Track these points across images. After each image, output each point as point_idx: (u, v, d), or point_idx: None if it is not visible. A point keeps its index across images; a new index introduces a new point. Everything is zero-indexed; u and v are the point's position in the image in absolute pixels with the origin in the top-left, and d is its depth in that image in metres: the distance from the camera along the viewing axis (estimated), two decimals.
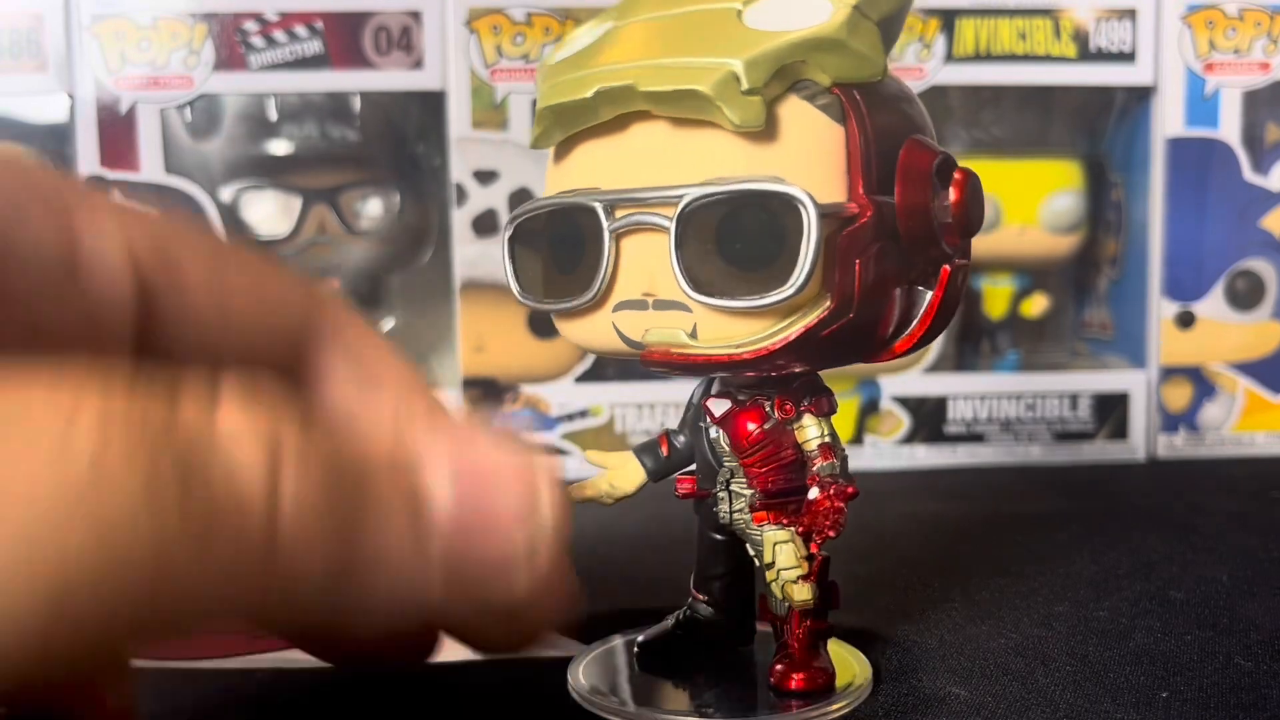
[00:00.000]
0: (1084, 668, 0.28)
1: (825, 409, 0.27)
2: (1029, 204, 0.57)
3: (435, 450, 0.18)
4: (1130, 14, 0.55)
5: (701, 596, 0.29)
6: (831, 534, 0.25)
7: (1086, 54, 0.55)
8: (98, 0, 0.52)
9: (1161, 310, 0.57)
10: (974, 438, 0.56)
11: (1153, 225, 0.57)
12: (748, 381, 0.27)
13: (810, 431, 0.26)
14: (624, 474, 0.28)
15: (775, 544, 0.26)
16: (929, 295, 0.25)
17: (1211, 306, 0.57)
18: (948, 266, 0.25)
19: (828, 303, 0.24)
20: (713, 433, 0.27)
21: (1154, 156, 0.56)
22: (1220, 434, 0.58)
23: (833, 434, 0.26)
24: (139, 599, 0.14)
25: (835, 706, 0.26)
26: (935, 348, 0.57)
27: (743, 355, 0.24)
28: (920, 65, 0.54)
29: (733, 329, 0.24)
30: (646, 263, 0.25)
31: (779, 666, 0.26)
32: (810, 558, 0.26)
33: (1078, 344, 0.63)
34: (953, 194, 0.25)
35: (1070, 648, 0.30)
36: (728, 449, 0.27)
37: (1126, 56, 0.55)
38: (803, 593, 0.26)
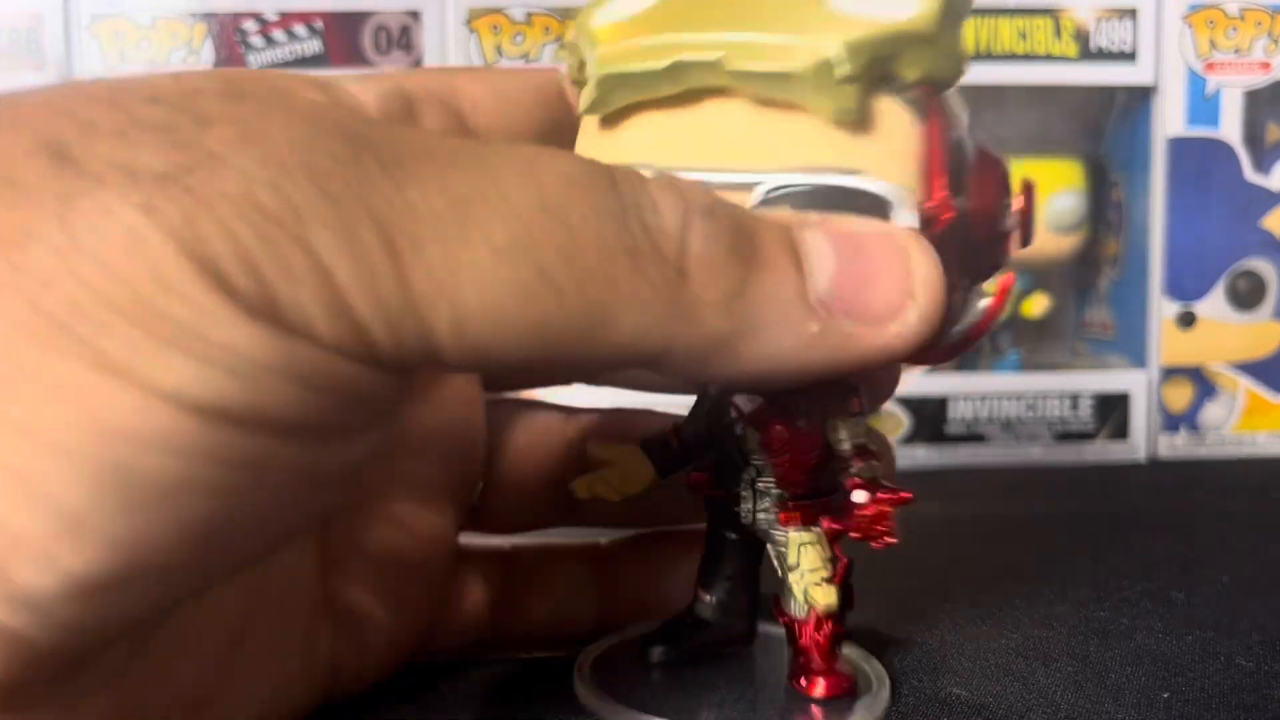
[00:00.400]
0: (1085, 668, 0.28)
1: (856, 409, 0.25)
2: None
3: (815, 222, 0.21)
4: (1131, 13, 0.55)
5: (707, 595, 0.28)
6: (891, 540, 0.24)
7: (1087, 53, 0.55)
8: (97, 0, 0.52)
9: (1162, 310, 0.57)
10: (974, 438, 0.56)
11: (1154, 225, 0.57)
12: None
13: (841, 433, 0.25)
14: (629, 470, 0.27)
15: (800, 545, 0.25)
16: (981, 302, 0.24)
17: (1212, 306, 0.57)
18: (1010, 274, 0.24)
19: None
20: (738, 429, 0.26)
21: (1155, 156, 0.56)
22: (1221, 434, 0.58)
23: (870, 434, 0.25)
24: (587, 299, 0.18)
25: (856, 718, 0.25)
26: None
27: None
28: None
29: None
30: None
31: (801, 673, 0.26)
32: (834, 560, 0.25)
33: (1078, 344, 0.63)
34: (1019, 202, 0.24)
35: (1071, 648, 0.30)
36: (756, 447, 0.26)
37: (1127, 56, 0.55)
38: (827, 596, 0.25)
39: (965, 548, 0.41)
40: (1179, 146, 0.56)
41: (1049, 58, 0.55)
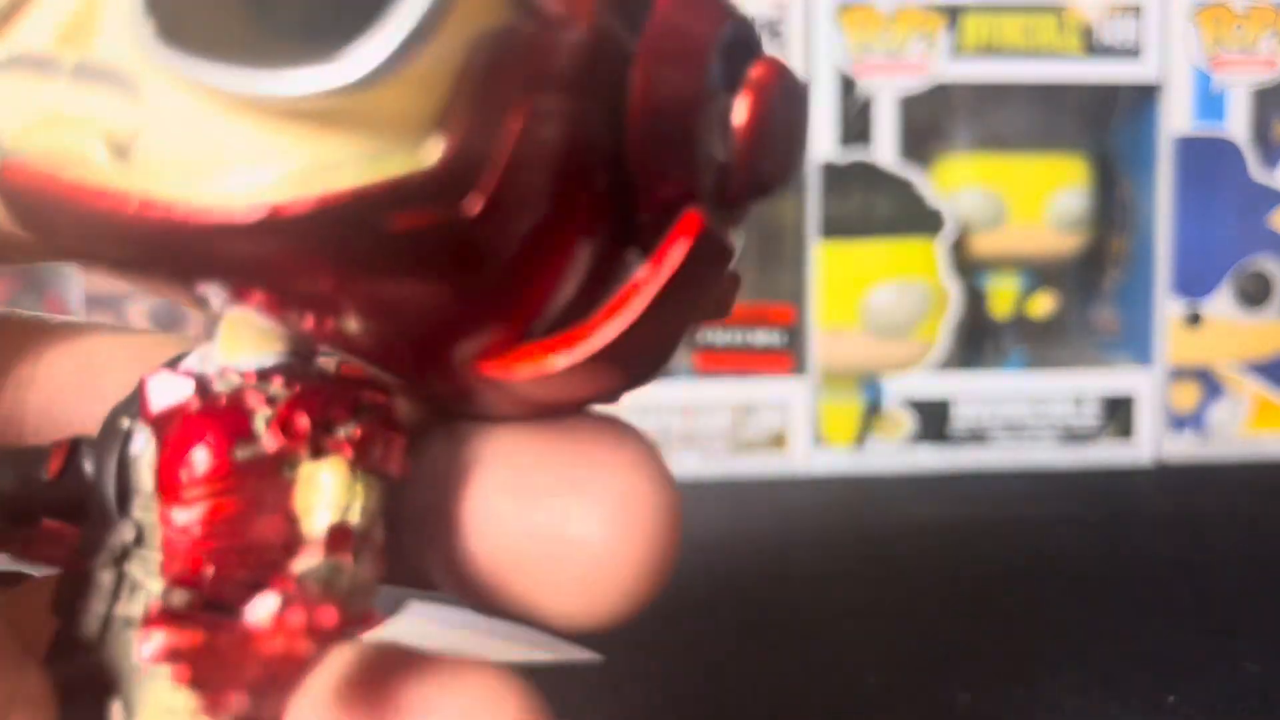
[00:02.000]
0: (1090, 672, 0.28)
1: (376, 454, 0.14)
2: (1035, 201, 0.57)
3: None
4: (1135, 10, 0.55)
5: None
6: (265, 681, 0.13)
7: (1092, 50, 0.55)
8: None
9: (1168, 310, 0.57)
10: (978, 439, 0.56)
11: (1159, 223, 0.56)
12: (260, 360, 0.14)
13: (319, 493, 0.13)
14: None
15: (166, 710, 0.13)
16: (642, 268, 0.13)
17: (1219, 306, 0.57)
18: (697, 214, 0.12)
19: (439, 147, 0.11)
20: (138, 442, 0.14)
21: (1160, 154, 0.56)
22: (1228, 435, 0.57)
23: (373, 515, 0.14)
24: None
25: None
26: (939, 348, 0.56)
27: (201, 215, 0.11)
28: (923, 61, 0.54)
29: (217, 147, 0.12)
30: None
31: None
32: None
33: (1084, 344, 0.62)
34: (745, 104, 0.13)
35: (1076, 652, 0.29)
36: (150, 484, 0.13)
37: (1132, 53, 0.55)
38: None
39: (968, 551, 0.41)
40: (1185, 144, 0.56)
41: (1053, 54, 0.55)
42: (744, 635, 0.31)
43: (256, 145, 0.11)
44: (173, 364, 0.14)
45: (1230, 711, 0.25)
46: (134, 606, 0.14)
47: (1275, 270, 0.57)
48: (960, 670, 0.28)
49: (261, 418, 0.13)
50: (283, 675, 0.13)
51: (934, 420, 0.56)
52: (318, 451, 0.13)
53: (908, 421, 0.56)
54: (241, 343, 0.14)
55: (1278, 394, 0.57)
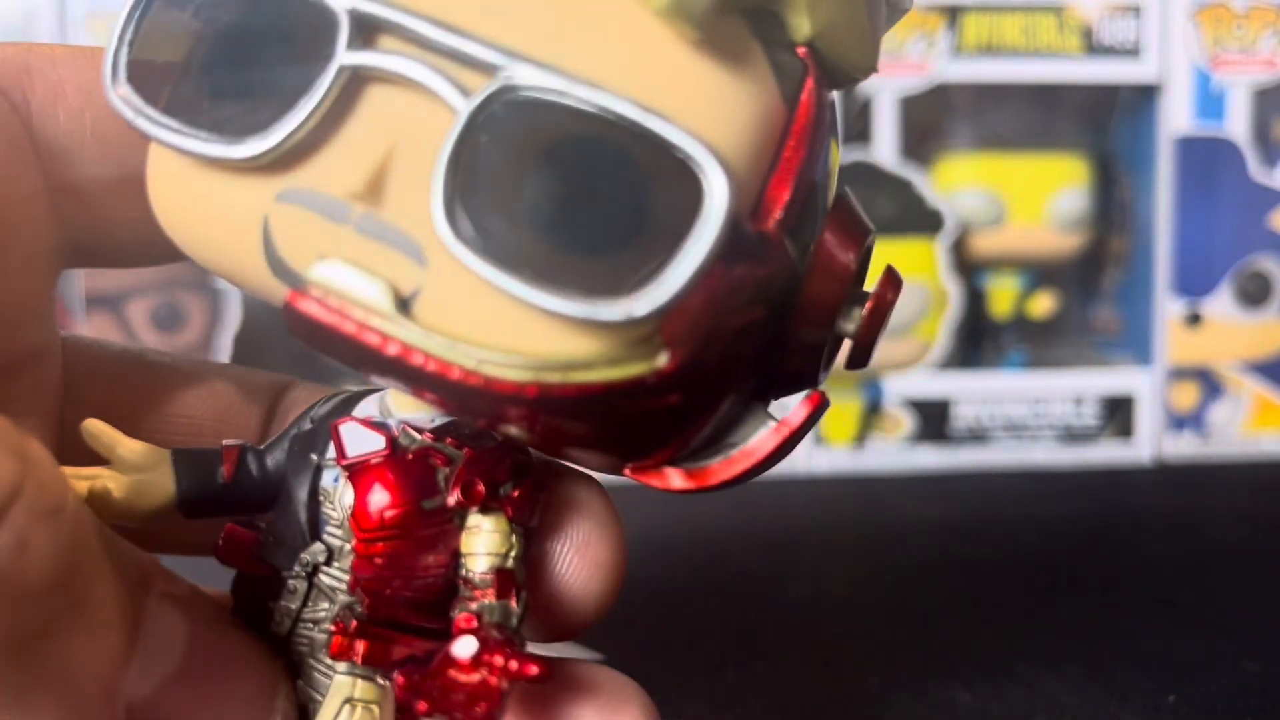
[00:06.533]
0: (1090, 672, 0.28)
1: (525, 512, 0.17)
2: (1035, 201, 0.57)
3: None
4: (1135, 10, 0.55)
5: None
6: None
7: (1092, 50, 0.55)
8: None
9: (1168, 309, 0.57)
10: (978, 439, 0.56)
11: (1159, 223, 0.56)
12: (431, 415, 0.17)
13: (484, 540, 0.16)
14: (135, 481, 0.17)
15: (345, 702, 0.16)
16: (760, 430, 0.17)
17: (1219, 306, 0.57)
18: (816, 395, 0.17)
19: (663, 358, 0.15)
20: (328, 478, 0.17)
21: (1160, 153, 0.56)
22: (1228, 435, 0.57)
23: (523, 560, 0.17)
24: None
25: None
26: (939, 347, 0.56)
27: (477, 379, 0.15)
28: (923, 61, 0.54)
29: (491, 327, 0.15)
30: (387, 142, 0.15)
31: None
32: None
33: (1084, 344, 0.62)
34: (868, 306, 0.17)
35: (1076, 651, 0.29)
36: (342, 515, 0.16)
37: (1132, 52, 0.55)
38: None
39: (969, 550, 0.40)
40: (1185, 144, 0.56)
41: (1053, 54, 0.55)
42: (744, 634, 0.31)
43: (525, 334, 0.15)
44: (345, 405, 0.17)
45: (1230, 711, 0.25)
46: (320, 611, 0.17)
47: (1275, 270, 0.57)
48: (960, 670, 0.28)
49: (442, 475, 0.16)
50: (487, 708, 0.15)
51: (934, 420, 0.56)
52: (484, 507, 0.17)
53: (908, 421, 0.56)
54: (409, 401, 0.17)
55: (1278, 394, 0.57)
